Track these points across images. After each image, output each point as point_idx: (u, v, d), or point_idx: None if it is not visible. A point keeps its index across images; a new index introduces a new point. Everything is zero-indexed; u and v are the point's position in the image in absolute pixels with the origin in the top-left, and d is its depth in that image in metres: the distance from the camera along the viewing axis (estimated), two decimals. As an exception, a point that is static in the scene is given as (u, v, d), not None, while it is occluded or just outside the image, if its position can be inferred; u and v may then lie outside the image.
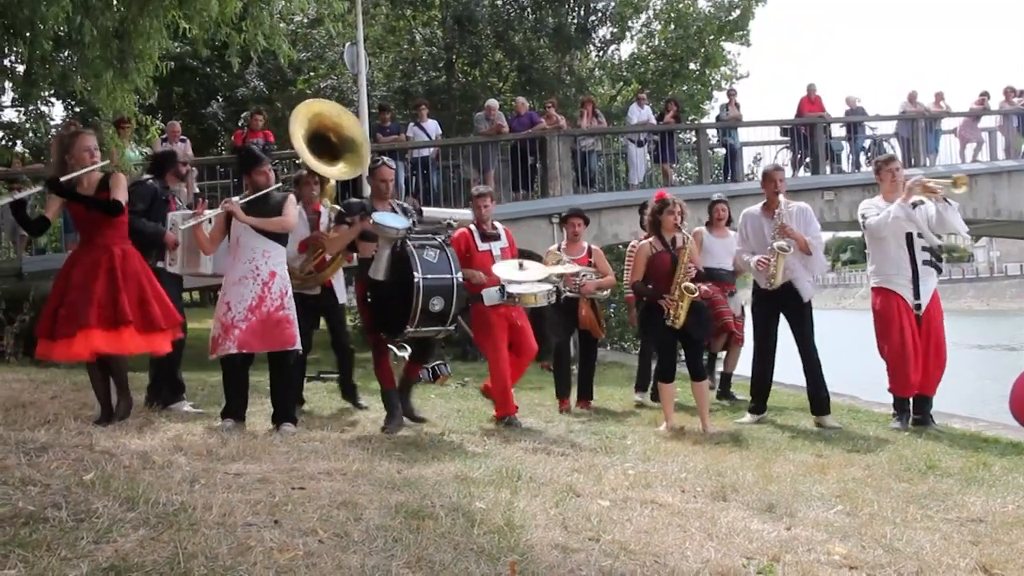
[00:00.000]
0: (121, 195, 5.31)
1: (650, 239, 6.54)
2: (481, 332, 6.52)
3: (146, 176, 6.73)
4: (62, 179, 5.14)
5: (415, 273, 5.53)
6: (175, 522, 3.03)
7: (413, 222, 5.96)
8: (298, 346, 5.64)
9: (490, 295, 6.32)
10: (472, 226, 6.53)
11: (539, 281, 6.53)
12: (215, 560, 2.71)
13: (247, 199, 5.68)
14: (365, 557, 2.87)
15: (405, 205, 6.43)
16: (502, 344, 6.44)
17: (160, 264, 6.28)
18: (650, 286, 6.41)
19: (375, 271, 5.83)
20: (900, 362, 6.51)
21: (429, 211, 6.36)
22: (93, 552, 2.70)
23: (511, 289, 6.34)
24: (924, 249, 6.48)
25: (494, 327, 6.40)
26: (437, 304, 5.60)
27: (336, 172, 6.71)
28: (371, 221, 5.78)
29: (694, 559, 3.18)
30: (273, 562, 2.75)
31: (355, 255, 6.44)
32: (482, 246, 6.49)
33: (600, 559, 3.07)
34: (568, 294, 7.45)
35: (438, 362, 9.43)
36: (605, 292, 7.84)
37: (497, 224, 6.74)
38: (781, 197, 6.76)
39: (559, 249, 7.71)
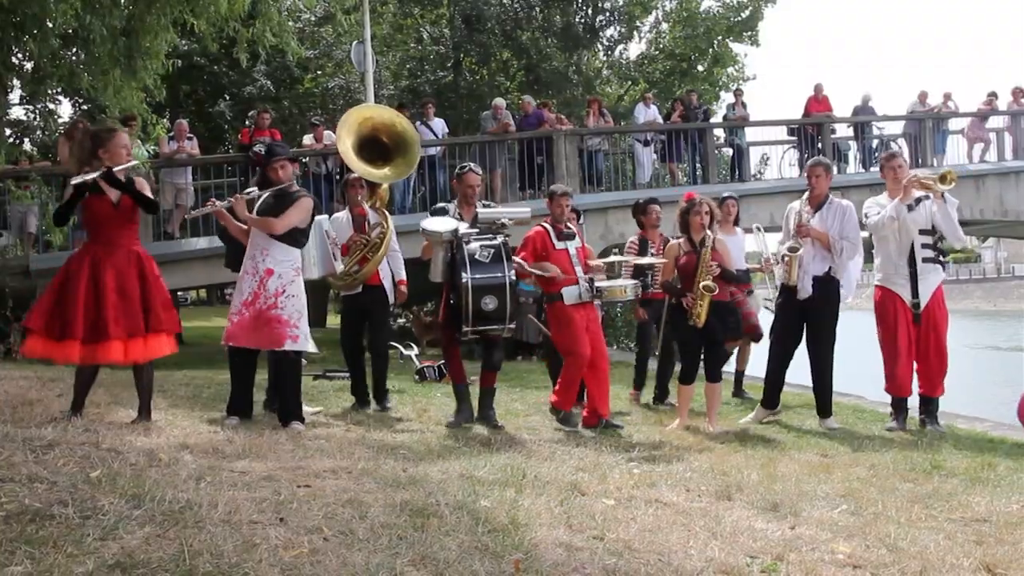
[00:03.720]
0: (150, 195, 5.29)
1: (680, 239, 6.58)
2: (561, 330, 6.33)
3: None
4: (115, 169, 5.05)
5: (463, 274, 5.63)
6: (181, 519, 3.04)
7: (470, 225, 6.00)
8: (289, 347, 5.56)
9: (570, 293, 6.24)
10: (547, 225, 6.40)
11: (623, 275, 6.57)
12: (220, 557, 2.72)
13: (264, 193, 5.73)
14: (370, 555, 2.88)
15: (489, 203, 6.58)
16: (584, 340, 6.27)
17: None
18: (679, 286, 6.45)
19: (433, 274, 5.97)
20: (892, 362, 6.54)
21: (484, 212, 6.34)
22: (99, 549, 2.72)
23: (600, 284, 6.35)
24: (925, 247, 6.45)
25: (574, 323, 6.25)
26: (490, 303, 5.66)
27: (382, 175, 6.81)
28: (420, 229, 5.87)
29: (698, 558, 3.19)
30: (278, 560, 2.76)
31: None
32: (559, 244, 6.35)
33: (604, 557, 3.07)
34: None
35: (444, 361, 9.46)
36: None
37: (570, 224, 6.62)
38: (829, 194, 6.62)
39: None
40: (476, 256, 5.71)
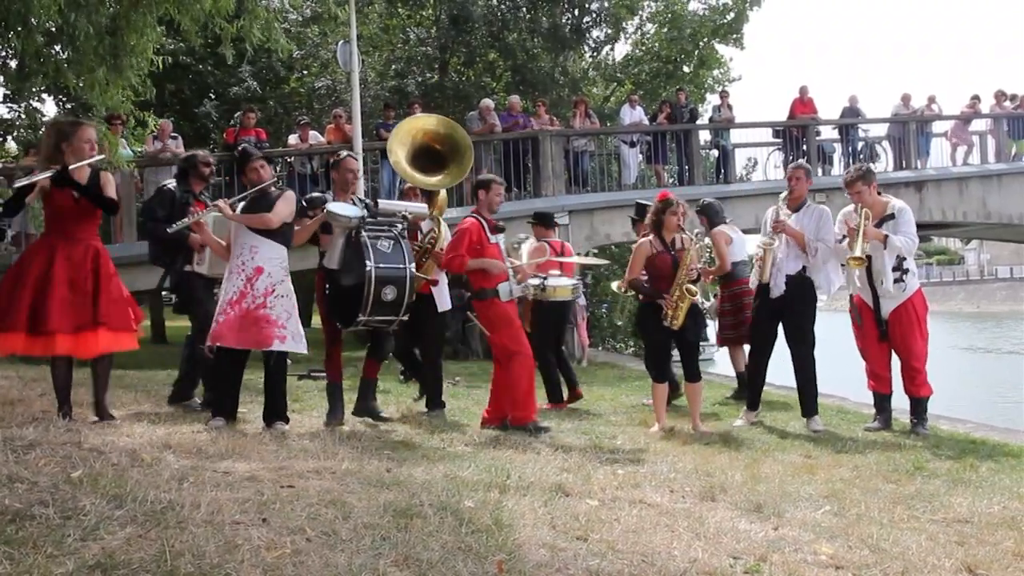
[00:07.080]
0: (113, 194, 5.26)
1: (650, 238, 6.48)
2: (500, 329, 6.20)
3: (168, 182, 6.70)
4: (71, 167, 5.00)
5: (367, 262, 5.57)
6: (163, 520, 3.02)
7: (368, 213, 5.94)
8: (277, 347, 5.50)
9: (506, 290, 6.21)
10: (481, 219, 6.30)
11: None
12: (202, 558, 2.70)
13: (243, 196, 5.70)
14: (353, 555, 2.87)
15: (367, 201, 6.44)
16: (524, 336, 6.21)
17: (188, 267, 6.34)
18: (647, 284, 6.40)
19: (329, 260, 5.92)
20: (868, 360, 6.70)
21: (385, 203, 6.36)
22: (80, 550, 2.70)
23: (549, 282, 6.29)
24: (894, 270, 6.43)
25: (513, 321, 6.20)
26: (389, 293, 5.63)
27: (435, 182, 6.84)
28: (325, 211, 5.76)
29: (681, 559, 3.19)
30: (260, 560, 2.75)
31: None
32: (492, 239, 6.29)
33: (588, 558, 3.07)
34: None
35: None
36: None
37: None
38: (807, 197, 6.74)
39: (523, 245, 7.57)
40: (378, 246, 5.70)
